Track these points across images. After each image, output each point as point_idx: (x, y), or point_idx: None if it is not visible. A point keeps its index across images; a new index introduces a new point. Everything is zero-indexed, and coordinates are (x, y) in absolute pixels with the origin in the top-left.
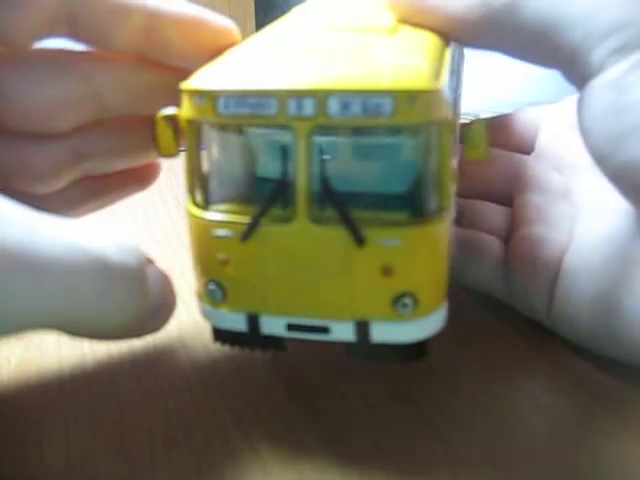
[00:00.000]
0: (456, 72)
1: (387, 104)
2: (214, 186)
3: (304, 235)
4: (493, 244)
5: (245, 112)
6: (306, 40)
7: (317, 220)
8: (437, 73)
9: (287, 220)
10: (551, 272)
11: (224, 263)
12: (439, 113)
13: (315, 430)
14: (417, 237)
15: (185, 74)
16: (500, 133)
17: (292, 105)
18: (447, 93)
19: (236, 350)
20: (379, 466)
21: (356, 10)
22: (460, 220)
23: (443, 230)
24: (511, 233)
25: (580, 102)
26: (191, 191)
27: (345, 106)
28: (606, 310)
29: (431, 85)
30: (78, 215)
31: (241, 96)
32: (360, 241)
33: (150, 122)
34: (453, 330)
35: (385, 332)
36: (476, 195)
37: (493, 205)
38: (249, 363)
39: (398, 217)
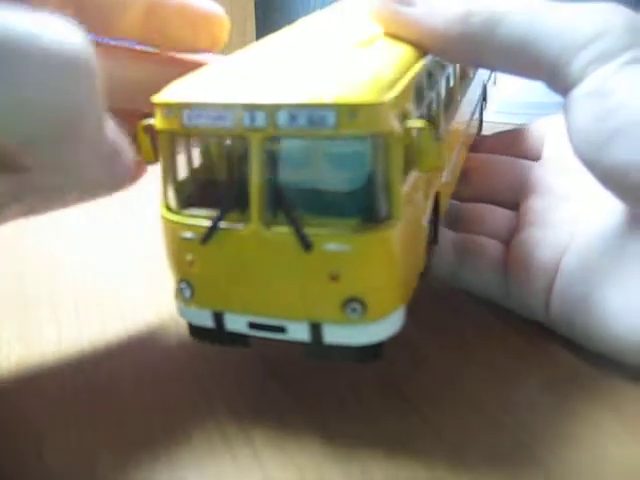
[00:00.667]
0: (436, 84)
1: (330, 117)
2: (183, 191)
3: (257, 238)
4: (490, 247)
5: (206, 123)
6: (278, 55)
7: (269, 224)
8: (391, 86)
9: (243, 224)
10: (549, 273)
11: (190, 264)
12: (385, 125)
13: (313, 428)
14: (363, 244)
15: (183, 70)
16: (511, 145)
17: (246, 117)
18: (403, 105)
19: (235, 348)
20: (378, 465)
21: (347, 23)
22: (456, 224)
23: (392, 237)
24: (512, 236)
25: (564, 112)
26: (164, 196)
27: (293, 118)
28: (600, 308)
29: (375, 99)
30: (64, 206)
31: (202, 109)
32: (307, 246)
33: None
34: (452, 330)
35: (337, 334)
36: (483, 201)
37: (494, 207)
38: (246, 361)
39: (346, 223)
